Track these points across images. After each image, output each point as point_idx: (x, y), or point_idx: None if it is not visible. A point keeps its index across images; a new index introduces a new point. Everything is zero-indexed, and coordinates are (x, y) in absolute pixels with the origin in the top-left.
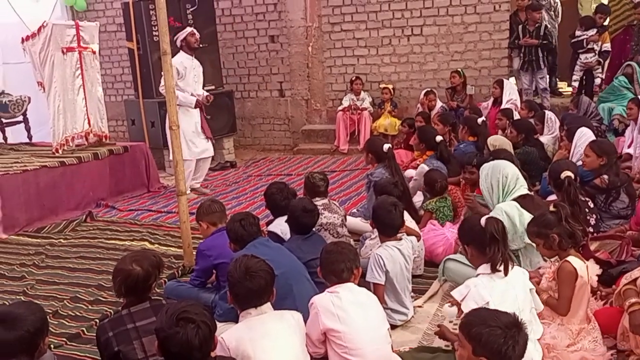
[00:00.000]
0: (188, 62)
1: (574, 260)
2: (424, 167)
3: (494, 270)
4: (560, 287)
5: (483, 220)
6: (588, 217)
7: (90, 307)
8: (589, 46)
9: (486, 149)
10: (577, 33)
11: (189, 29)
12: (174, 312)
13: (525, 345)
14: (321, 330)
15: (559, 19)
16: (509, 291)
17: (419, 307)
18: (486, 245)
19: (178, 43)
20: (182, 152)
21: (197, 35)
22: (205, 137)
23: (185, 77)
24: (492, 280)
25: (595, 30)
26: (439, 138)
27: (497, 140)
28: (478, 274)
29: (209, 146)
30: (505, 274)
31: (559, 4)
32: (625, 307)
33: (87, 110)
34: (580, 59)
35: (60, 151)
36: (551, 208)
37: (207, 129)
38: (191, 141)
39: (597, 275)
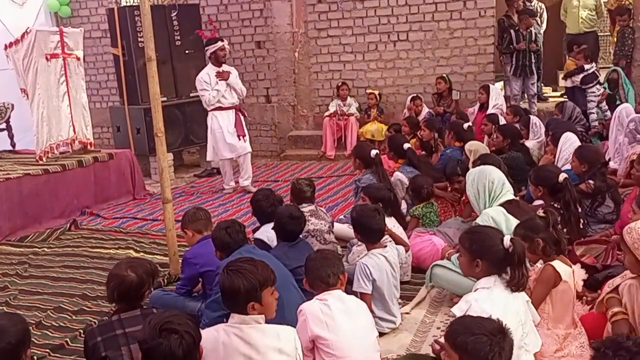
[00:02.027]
0: (214, 73)
1: (559, 265)
2: (399, 175)
3: (509, 286)
4: (535, 286)
5: (507, 242)
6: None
7: (74, 317)
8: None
9: (464, 155)
10: (587, 67)
11: (220, 44)
12: (157, 322)
13: (511, 351)
14: (309, 337)
15: (544, 25)
16: (509, 304)
17: (407, 313)
18: (502, 265)
19: (207, 54)
20: (211, 155)
21: (227, 49)
22: (237, 135)
23: (213, 88)
24: (491, 293)
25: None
26: (406, 146)
27: (473, 146)
28: (476, 289)
29: (242, 144)
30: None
31: (545, 10)
32: (608, 317)
33: (72, 117)
34: (594, 92)
35: (44, 159)
36: (541, 214)
37: (240, 128)
38: (227, 141)
39: (583, 280)
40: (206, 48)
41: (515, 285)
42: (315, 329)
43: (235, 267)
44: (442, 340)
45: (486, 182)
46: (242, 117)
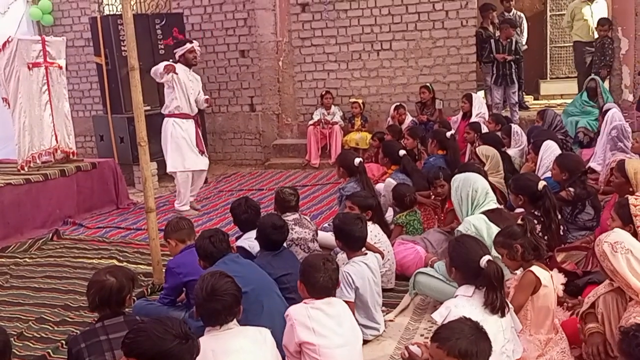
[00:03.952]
0: (183, 73)
1: (538, 270)
2: (391, 182)
3: (486, 307)
4: (516, 292)
5: (483, 261)
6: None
7: (56, 328)
8: None
9: (477, 159)
10: None
11: (188, 46)
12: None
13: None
14: (296, 342)
15: (525, 34)
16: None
17: (390, 321)
18: (475, 280)
19: (176, 57)
20: (176, 165)
21: (198, 52)
22: (199, 151)
23: (178, 87)
24: (471, 299)
25: None
26: (402, 152)
27: (489, 151)
28: (456, 295)
29: (202, 160)
30: (502, 315)
31: (524, 19)
32: (585, 333)
33: (54, 126)
34: None
35: (26, 168)
36: (519, 221)
37: (201, 143)
38: (186, 154)
39: (563, 284)
40: (174, 51)
41: (491, 306)
42: (302, 334)
43: (222, 290)
44: (414, 348)
45: (470, 190)
46: (199, 130)
